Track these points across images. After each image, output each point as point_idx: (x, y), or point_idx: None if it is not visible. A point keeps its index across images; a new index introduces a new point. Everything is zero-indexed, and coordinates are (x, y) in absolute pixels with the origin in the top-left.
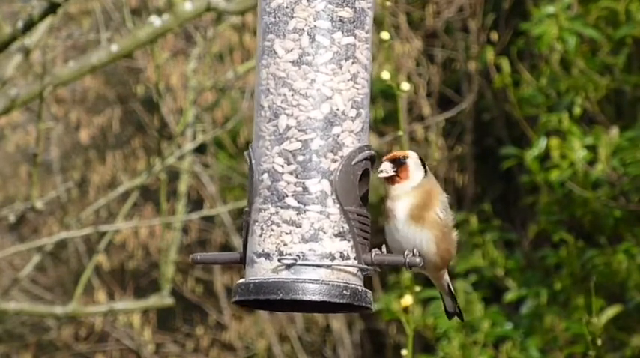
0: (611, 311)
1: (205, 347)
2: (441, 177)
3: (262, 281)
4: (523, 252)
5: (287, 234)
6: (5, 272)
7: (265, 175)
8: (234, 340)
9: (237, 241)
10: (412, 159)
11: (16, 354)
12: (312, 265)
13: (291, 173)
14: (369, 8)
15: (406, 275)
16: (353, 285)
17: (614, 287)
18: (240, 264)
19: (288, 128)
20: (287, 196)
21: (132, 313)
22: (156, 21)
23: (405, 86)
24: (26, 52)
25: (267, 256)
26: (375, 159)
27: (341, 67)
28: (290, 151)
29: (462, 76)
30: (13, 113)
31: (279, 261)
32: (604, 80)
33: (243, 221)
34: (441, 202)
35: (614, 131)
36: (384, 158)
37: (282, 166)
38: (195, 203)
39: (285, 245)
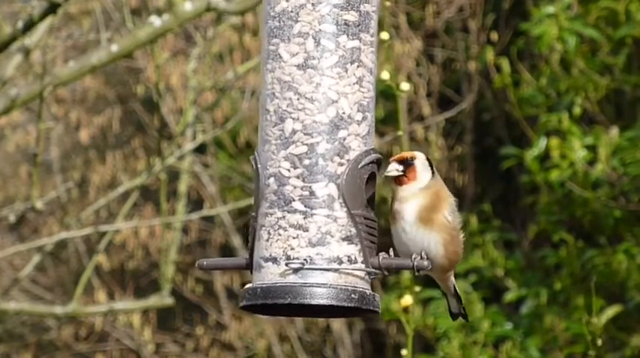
0: (611, 311)
1: (205, 347)
2: (441, 177)
3: (270, 286)
4: (523, 252)
5: (294, 238)
6: (5, 272)
7: (272, 179)
8: (234, 340)
9: (237, 241)
10: (420, 160)
11: (16, 354)
12: (320, 269)
13: (297, 177)
14: (373, 12)
15: (406, 276)
16: (361, 289)
17: (614, 287)
18: (247, 269)
19: (294, 132)
20: (294, 200)
21: (132, 313)
22: (156, 21)
23: (405, 86)
24: (26, 52)
25: (274, 261)
26: (381, 163)
27: (346, 71)
28: (296, 155)
29: (462, 76)
30: (13, 113)
31: (286, 265)
32: (604, 80)
33: (249, 225)
34: (449, 204)
35: (614, 131)
36: (392, 158)
37: (289, 170)
38: (195, 203)
39: (292, 249)
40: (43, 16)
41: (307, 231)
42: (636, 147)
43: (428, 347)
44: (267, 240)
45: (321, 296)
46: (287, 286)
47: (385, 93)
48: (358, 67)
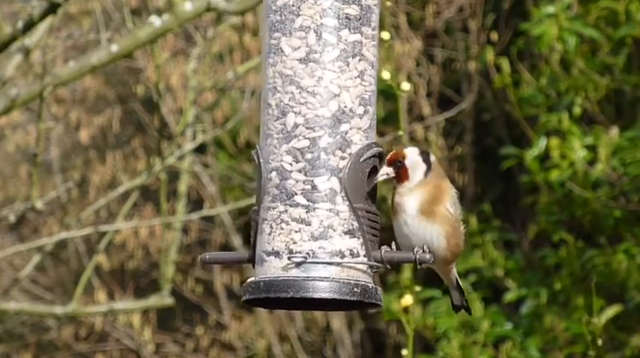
0: (611, 311)
1: (205, 347)
2: None
3: (273, 280)
4: (523, 252)
5: (296, 232)
6: (5, 272)
7: (274, 173)
8: (234, 340)
9: (237, 241)
10: (410, 158)
11: (16, 354)
12: (322, 263)
13: (299, 171)
14: (375, 5)
15: (406, 275)
16: (363, 282)
17: (614, 287)
18: (249, 263)
19: (296, 126)
20: (296, 194)
21: (132, 313)
22: (156, 21)
23: (405, 86)
24: (26, 52)
25: (276, 254)
26: (382, 156)
27: (348, 65)
28: (298, 149)
29: (462, 76)
30: (13, 113)
31: (289, 259)
32: (604, 80)
33: (252, 219)
34: (450, 196)
35: (614, 131)
36: (386, 159)
37: (291, 164)
38: (195, 203)
39: (294, 243)
40: (43, 16)
41: (309, 224)
42: (636, 147)
43: (428, 347)
44: (270, 234)
45: (323, 290)
46: (289, 280)
47: (385, 93)
48: (360, 60)
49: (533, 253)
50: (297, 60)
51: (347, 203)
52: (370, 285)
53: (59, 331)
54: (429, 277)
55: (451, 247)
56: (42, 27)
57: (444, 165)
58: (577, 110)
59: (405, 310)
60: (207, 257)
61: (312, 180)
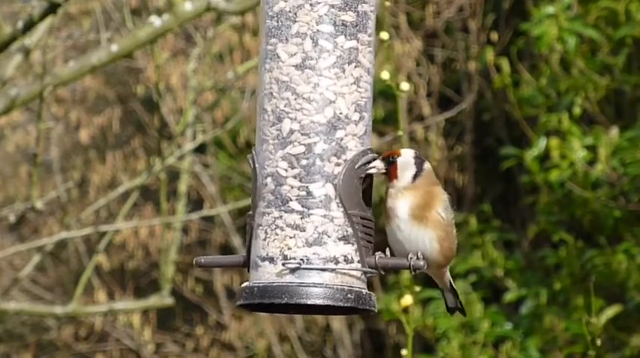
0: (611, 311)
1: (205, 347)
2: (441, 177)
3: (267, 285)
4: (523, 252)
5: (291, 237)
6: (5, 272)
7: (269, 179)
8: (234, 340)
9: (237, 241)
10: (403, 158)
11: (16, 354)
12: (317, 269)
13: (294, 177)
14: (371, 11)
15: (406, 276)
16: (357, 289)
17: (614, 287)
18: (244, 267)
19: (291, 132)
20: (291, 200)
21: (132, 313)
22: (156, 21)
23: (405, 86)
24: (26, 52)
25: (271, 260)
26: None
27: (344, 71)
28: (294, 155)
29: (462, 76)
30: (13, 113)
31: (283, 265)
32: (604, 80)
33: (247, 225)
34: (442, 201)
35: (614, 131)
36: (381, 155)
37: (286, 170)
38: (195, 203)
39: (289, 249)
40: (43, 16)
41: (304, 230)
42: (636, 147)
43: (428, 348)
44: (264, 240)
45: (317, 296)
46: (283, 286)
47: (385, 93)
48: (356, 67)
49: (533, 253)
50: (293, 66)
51: (342, 209)
52: (364, 291)
53: (59, 331)
54: (428, 278)
55: (444, 251)
56: (42, 27)
57: (444, 165)
58: (577, 110)
59: (405, 310)
60: (202, 260)
61: (307, 186)
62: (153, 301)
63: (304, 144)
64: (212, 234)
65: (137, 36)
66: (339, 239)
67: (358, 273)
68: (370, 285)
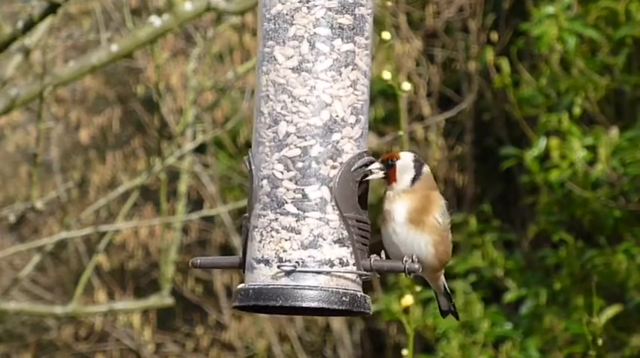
0: (611, 311)
1: (205, 347)
2: (441, 177)
3: (262, 288)
4: (523, 252)
5: (286, 240)
6: (5, 272)
7: (265, 181)
8: (234, 340)
9: (237, 241)
10: (402, 161)
11: (16, 354)
12: (312, 272)
13: (290, 179)
14: (368, 14)
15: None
16: (352, 291)
17: (614, 287)
18: (240, 268)
19: (287, 135)
20: (286, 203)
21: (132, 313)
22: (156, 21)
23: (406, 86)
24: (26, 52)
25: (266, 262)
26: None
27: (340, 74)
28: (290, 158)
29: (462, 76)
30: (13, 113)
31: (278, 267)
32: (604, 80)
33: (242, 226)
34: (440, 207)
35: (614, 131)
36: (380, 158)
37: (282, 173)
38: (195, 203)
39: (284, 251)
40: (43, 16)
41: (299, 233)
42: (636, 147)
43: (428, 348)
44: (260, 242)
45: (312, 299)
46: (278, 288)
47: (385, 93)
48: (352, 70)
49: (533, 253)
50: (290, 69)
51: (337, 212)
52: (359, 294)
53: (59, 331)
54: (424, 278)
55: (439, 255)
56: (42, 27)
57: (444, 165)
58: (577, 110)
59: (405, 310)
60: (199, 261)
61: (302, 189)
62: (153, 301)
63: (300, 147)
64: (212, 234)
65: (137, 36)
66: (335, 241)
67: (353, 276)
68: (370, 285)
